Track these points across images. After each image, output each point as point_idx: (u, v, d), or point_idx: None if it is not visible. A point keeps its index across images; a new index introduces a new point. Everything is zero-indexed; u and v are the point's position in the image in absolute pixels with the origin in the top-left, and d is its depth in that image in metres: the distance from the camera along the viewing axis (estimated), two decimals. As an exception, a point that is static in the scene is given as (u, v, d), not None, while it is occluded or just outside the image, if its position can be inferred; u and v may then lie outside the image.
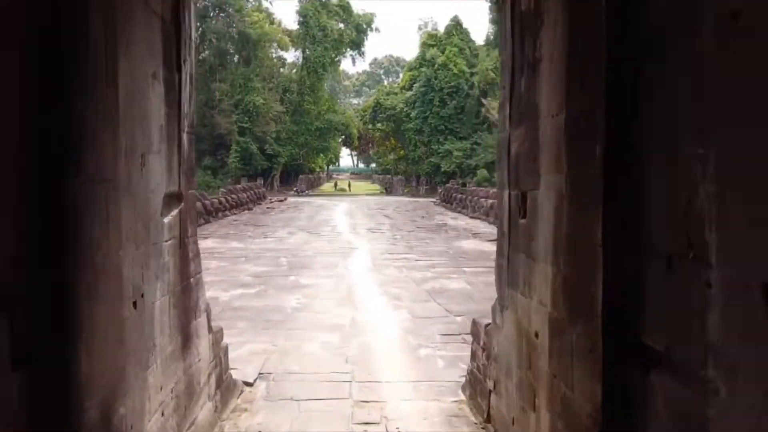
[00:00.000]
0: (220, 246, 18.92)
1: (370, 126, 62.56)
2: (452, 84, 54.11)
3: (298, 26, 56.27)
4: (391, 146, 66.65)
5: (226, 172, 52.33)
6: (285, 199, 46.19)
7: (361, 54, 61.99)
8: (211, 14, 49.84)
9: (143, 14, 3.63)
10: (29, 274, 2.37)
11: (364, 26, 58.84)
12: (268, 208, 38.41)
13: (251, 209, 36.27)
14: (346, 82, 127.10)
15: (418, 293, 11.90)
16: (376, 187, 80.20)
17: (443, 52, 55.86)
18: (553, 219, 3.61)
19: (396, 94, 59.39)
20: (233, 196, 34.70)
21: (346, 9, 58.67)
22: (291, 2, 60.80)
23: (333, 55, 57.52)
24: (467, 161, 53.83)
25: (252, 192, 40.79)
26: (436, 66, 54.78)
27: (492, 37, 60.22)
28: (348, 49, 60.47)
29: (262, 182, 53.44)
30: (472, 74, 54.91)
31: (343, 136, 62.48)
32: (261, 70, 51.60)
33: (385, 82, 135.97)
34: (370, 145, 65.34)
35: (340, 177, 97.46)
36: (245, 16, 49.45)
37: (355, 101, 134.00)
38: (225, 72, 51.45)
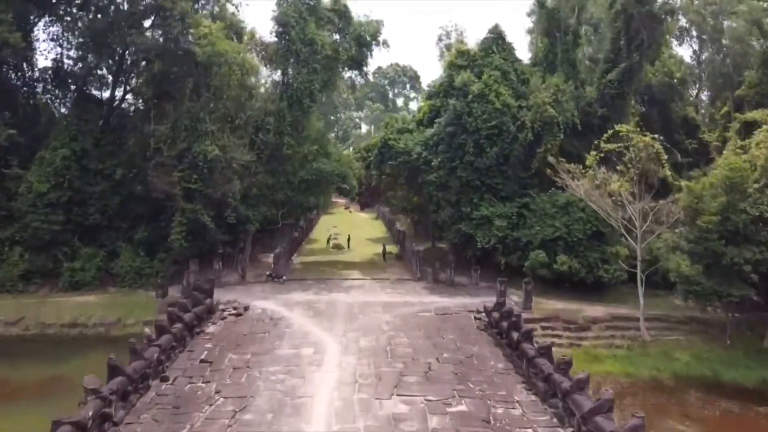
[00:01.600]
0: None
1: (374, 172, 46.51)
2: (493, 123, 37.95)
3: (276, 39, 40.18)
4: (406, 196, 50.66)
5: (168, 249, 36.31)
6: (243, 311, 30.01)
7: (363, 75, 45.86)
8: (144, 23, 33.72)
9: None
10: None
11: (368, 38, 42.69)
12: (190, 356, 22.11)
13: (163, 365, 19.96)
14: (346, 95, 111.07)
15: None
16: (382, 229, 63.96)
17: (479, 77, 39.75)
18: None
19: (410, 131, 43.20)
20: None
21: (343, 15, 42.52)
22: (268, 3, 45.18)
23: (324, 78, 41.45)
24: (513, 233, 37.74)
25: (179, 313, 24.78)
26: (469, 97, 38.65)
27: (542, 54, 44.10)
28: (345, 68, 44.40)
29: (220, 263, 37.41)
30: (520, 108, 38.79)
31: (339, 187, 46.26)
32: (218, 105, 35.52)
33: (390, 95, 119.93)
34: (376, 195, 49.04)
35: (338, 203, 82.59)
36: (189, 26, 33.31)
37: (356, 114, 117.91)
38: (166, 108, 35.39)
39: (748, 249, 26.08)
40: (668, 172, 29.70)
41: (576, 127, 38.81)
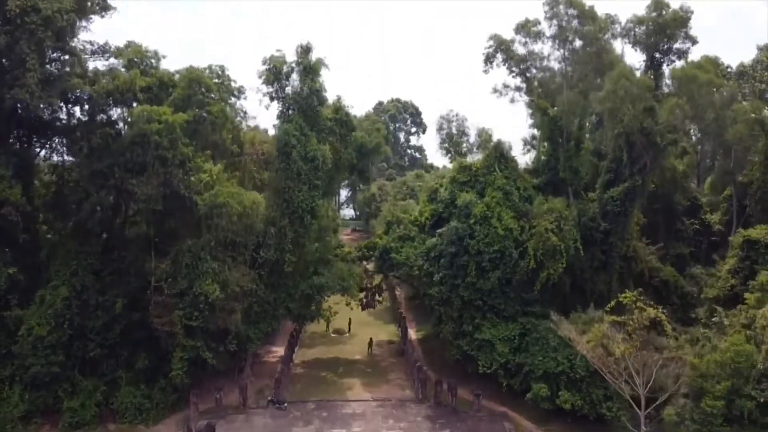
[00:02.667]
0: None
1: (374, 271, 46.37)
2: (495, 248, 37.75)
3: (276, 155, 39.82)
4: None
5: (164, 387, 36.25)
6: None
7: (366, 180, 45.57)
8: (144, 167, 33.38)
9: None
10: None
11: (370, 148, 42.36)
12: None
13: None
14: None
15: None
16: (383, 305, 63.41)
17: (481, 194, 39.57)
18: None
19: (412, 238, 42.96)
20: None
21: (345, 123, 42.27)
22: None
23: (325, 188, 41.25)
24: (515, 358, 37.61)
25: None
26: (471, 219, 38.47)
27: (545, 160, 43.94)
28: (347, 175, 44.17)
29: (221, 392, 37.32)
30: (522, 230, 38.55)
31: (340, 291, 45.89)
32: (218, 236, 35.22)
33: (391, 126, 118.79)
34: (377, 296, 48.86)
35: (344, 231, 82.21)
36: (190, 171, 32.94)
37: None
38: (167, 243, 35.21)
39: (754, 434, 25.95)
40: (671, 343, 29.44)
41: (578, 249, 38.61)
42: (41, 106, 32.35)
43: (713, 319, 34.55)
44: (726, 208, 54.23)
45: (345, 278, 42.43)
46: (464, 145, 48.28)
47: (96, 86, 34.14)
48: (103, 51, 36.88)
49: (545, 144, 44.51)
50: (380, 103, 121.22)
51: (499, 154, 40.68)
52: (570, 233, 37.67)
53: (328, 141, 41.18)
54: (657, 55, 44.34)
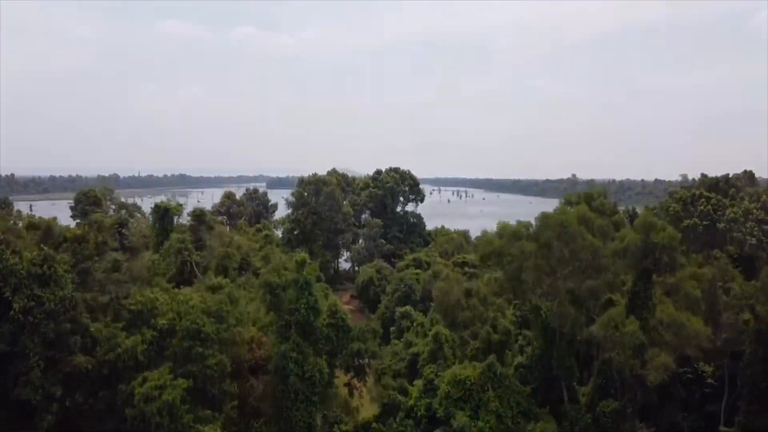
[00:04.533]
0: None
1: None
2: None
3: (274, 372, 40.46)
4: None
5: None
6: None
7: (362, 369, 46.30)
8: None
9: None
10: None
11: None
12: None
13: None
14: (346, 207, 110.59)
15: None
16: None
17: (476, 411, 40.35)
18: None
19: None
20: None
21: (342, 328, 43.05)
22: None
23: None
24: None
25: None
26: (467, 443, 39.22)
27: (537, 356, 44.63)
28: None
29: None
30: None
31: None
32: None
33: (390, 199, 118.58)
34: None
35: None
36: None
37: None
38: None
39: None
40: None
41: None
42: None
43: None
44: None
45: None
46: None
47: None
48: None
49: (538, 341, 45.16)
50: (378, 172, 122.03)
51: (492, 373, 41.36)
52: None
53: (325, 351, 41.98)
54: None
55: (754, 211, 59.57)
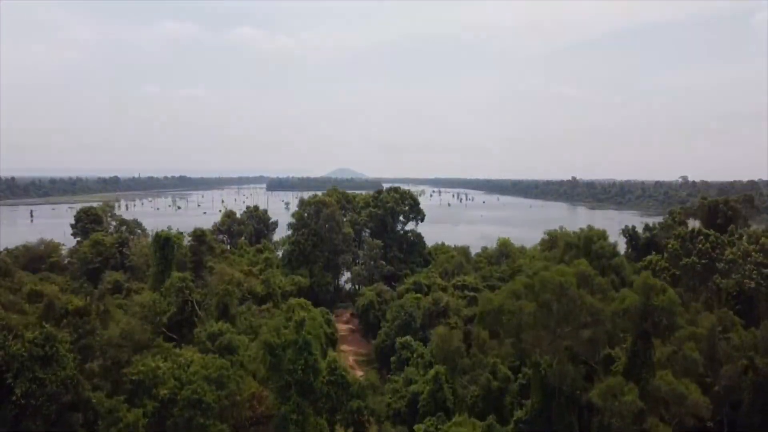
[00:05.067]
0: None
1: None
2: None
3: None
4: None
5: None
6: None
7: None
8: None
9: None
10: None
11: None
12: None
13: None
14: (347, 227, 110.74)
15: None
16: None
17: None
18: None
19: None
20: None
21: (342, 385, 43.19)
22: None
23: None
24: None
25: None
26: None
27: (536, 411, 44.81)
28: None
29: None
30: None
31: None
32: None
33: (390, 219, 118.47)
34: None
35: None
36: None
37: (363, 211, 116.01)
38: None
39: None
40: None
41: None
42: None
43: None
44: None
45: None
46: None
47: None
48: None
49: (536, 396, 45.33)
50: (379, 192, 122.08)
51: (492, 436, 41.62)
52: None
53: (325, 409, 42.19)
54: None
55: (753, 253, 59.63)
